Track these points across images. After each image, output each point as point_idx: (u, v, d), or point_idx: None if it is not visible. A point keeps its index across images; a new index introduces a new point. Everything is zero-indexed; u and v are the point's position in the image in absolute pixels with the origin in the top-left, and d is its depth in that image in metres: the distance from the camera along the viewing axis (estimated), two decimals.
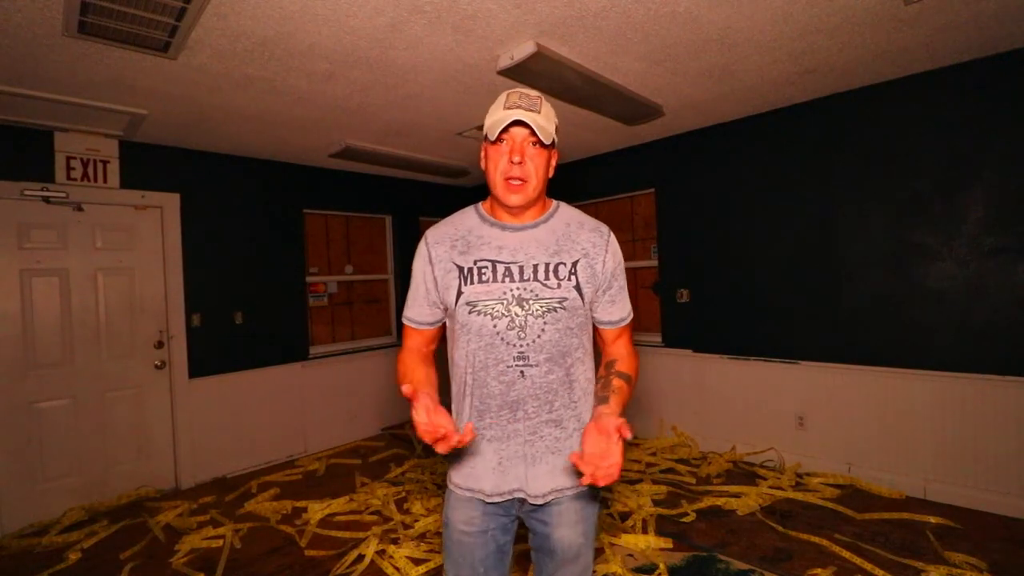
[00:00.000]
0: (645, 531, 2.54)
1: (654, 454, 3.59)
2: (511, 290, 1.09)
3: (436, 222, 1.24)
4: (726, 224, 3.54)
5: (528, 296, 1.09)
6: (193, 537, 2.69)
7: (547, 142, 1.08)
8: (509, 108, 1.08)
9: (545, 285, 1.10)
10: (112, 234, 3.24)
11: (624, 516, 2.72)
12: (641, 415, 4.03)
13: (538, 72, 2.38)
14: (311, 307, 4.27)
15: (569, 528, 1.14)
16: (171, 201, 3.44)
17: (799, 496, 2.84)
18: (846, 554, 2.25)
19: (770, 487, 2.97)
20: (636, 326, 4.22)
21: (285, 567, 2.42)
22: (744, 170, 3.44)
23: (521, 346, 1.09)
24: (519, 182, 1.09)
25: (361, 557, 2.44)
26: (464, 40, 2.14)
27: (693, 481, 3.14)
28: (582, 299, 1.12)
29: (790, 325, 3.26)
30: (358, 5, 1.84)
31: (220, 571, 2.40)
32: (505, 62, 2.28)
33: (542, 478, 1.12)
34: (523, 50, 2.20)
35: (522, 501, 1.14)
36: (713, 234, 3.61)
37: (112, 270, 3.24)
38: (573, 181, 4.45)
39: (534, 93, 1.11)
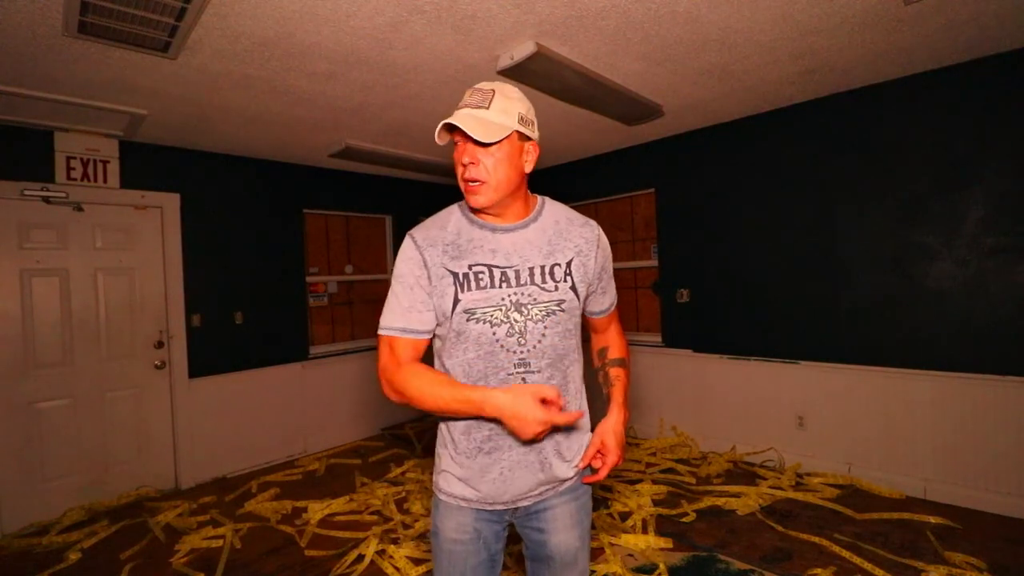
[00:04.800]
0: (645, 531, 2.54)
1: (654, 454, 3.59)
2: (509, 296, 1.05)
3: None
4: (726, 224, 3.54)
5: (526, 301, 1.06)
6: (193, 537, 2.69)
7: (486, 141, 0.99)
8: (460, 108, 1.04)
9: (543, 288, 1.07)
10: (112, 234, 3.24)
11: (624, 516, 2.72)
12: (641, 415, 4.03)
13: (538, 72, 2.38)
14: (311, 307, 4.27)
15: (565, 533, 1.13)
16: (171, 201, 3.44)
17: (799, 496, 2.84)
18: (846, 554, 2.25)
19: (770, 487, 2.96)
20: (636, 326, 4.22)
21: (285, 567, 2.42)
22: (744, 170, 3.44)
23: (522, 353, 1.05)
24: (476, 183, 1.04)
25: (361, 557, 2.43)
26: (464, 40, 2.14)
27: (693, 481, 3.14)
28: (578, 299, 1.11)
29: (790, 325, 3.26)
30: (358, 5, 1.84)
31: (220, 571, 2.40)
32: (505, 62, 2.28)
33: (541, 475, 1.10)
34: (523, 50, 2.20)
35: (516, 508, 1.13)
36: (713, 234, 3.61)
37: (112, 270, 3.24)
38: (573, 181, 4.45)
39: (489, 87, 1.04)
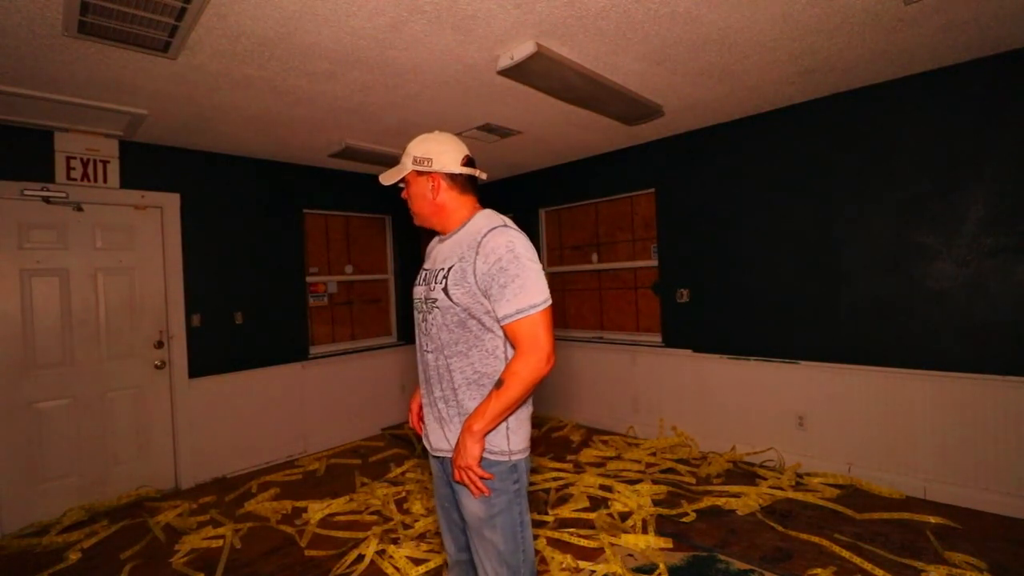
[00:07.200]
0: (645, 531, 2.54)
1: (654, 454, 3.59)
2: (423, 291, 1.38)
3: None
4: (726, 224, 3.54)
5: (427, 296, 1.36)
6: (193, 537, 2.69)
7: (384, 184, 1.40)
8: None
9: (431, 288, 1.35)
10: (112, 234, 3.24)
11: (624, 516, 2.72)
12: (641, 415, 4.03)
13: (538, 72, 2.38)
14: (311, 307, 4.27)
15: (467, 499, 1.29)
16: (171, 201, 3.44)
17: (799, 496, 2.84)
18: (846, 554, 2.25)
19: (770, 487, 2.96)
20: (636, 326, 4.21)
21: (285, 567, 2.42)
22: (744, 170, 3.44)
23: (425, 335, 1.37)
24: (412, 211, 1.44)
25: (361, 557, 2.43)
26: (464, 40, 2.14)
27: (693, 481, 3.13)
28: (450, 300, 1.28)
29: (790, 325, 3.26)
30: (358, 5, 1.84)
31: (220, 571, 2.40)
32: (505, 62, 2.28)
33: (442, 440, 1.36)
34: (523, 50, 2.20)
35: (442, 459, 1.40)
36: (713, 234, 3.61)
37: (112, 270, 3.24)
38: (573, 181, 4.45)
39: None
